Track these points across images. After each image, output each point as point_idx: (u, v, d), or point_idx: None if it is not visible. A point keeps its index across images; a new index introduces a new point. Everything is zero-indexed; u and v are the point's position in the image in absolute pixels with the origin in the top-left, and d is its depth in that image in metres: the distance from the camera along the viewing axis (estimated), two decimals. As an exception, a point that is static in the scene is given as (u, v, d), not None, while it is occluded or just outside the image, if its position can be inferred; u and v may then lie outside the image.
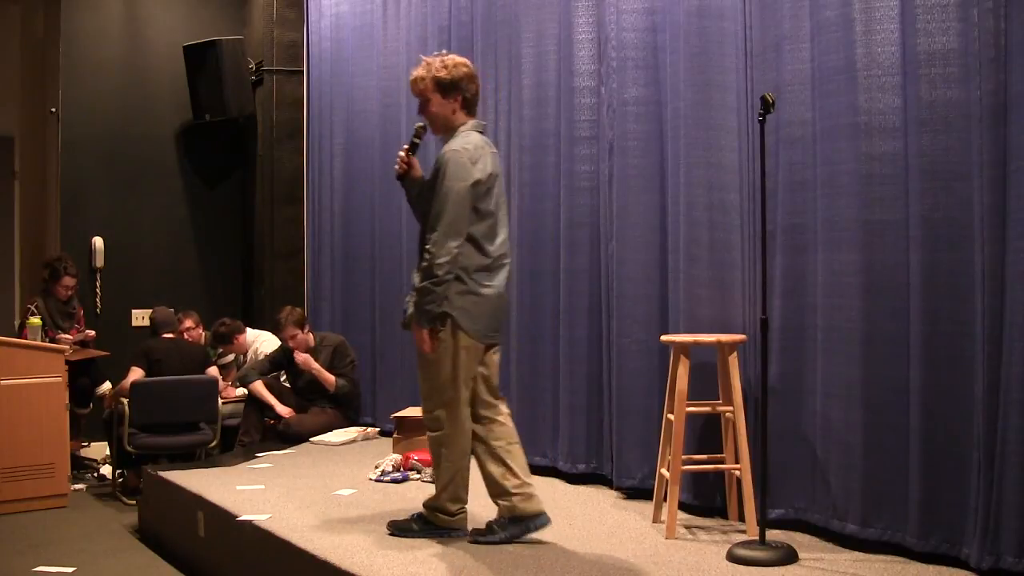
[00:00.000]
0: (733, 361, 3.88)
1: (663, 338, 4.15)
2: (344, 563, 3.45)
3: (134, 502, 5.56)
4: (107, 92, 7.42)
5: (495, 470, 3.75)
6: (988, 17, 3.21)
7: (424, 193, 3.73)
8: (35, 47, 7.91)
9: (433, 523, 3.82)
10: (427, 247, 3.58)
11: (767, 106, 3.51)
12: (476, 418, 3.78)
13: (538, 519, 3.75)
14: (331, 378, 6.07)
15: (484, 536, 3.73)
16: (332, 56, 6.77)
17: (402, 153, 3.79)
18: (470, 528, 3.82)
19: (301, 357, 6.07)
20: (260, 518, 4.08)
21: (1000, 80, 3.20)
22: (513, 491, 3.73)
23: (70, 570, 4.44)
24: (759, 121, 3.55)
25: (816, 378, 3.79)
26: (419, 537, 3.78)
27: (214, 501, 4.42)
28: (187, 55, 7.39)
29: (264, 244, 7.44)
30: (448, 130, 3.75)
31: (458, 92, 3.72)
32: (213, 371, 6.15)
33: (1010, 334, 3.15)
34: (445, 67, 3.71)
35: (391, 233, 6.23)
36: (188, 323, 6.79)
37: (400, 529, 3.85)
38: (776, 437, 3.81)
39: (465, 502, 3.83)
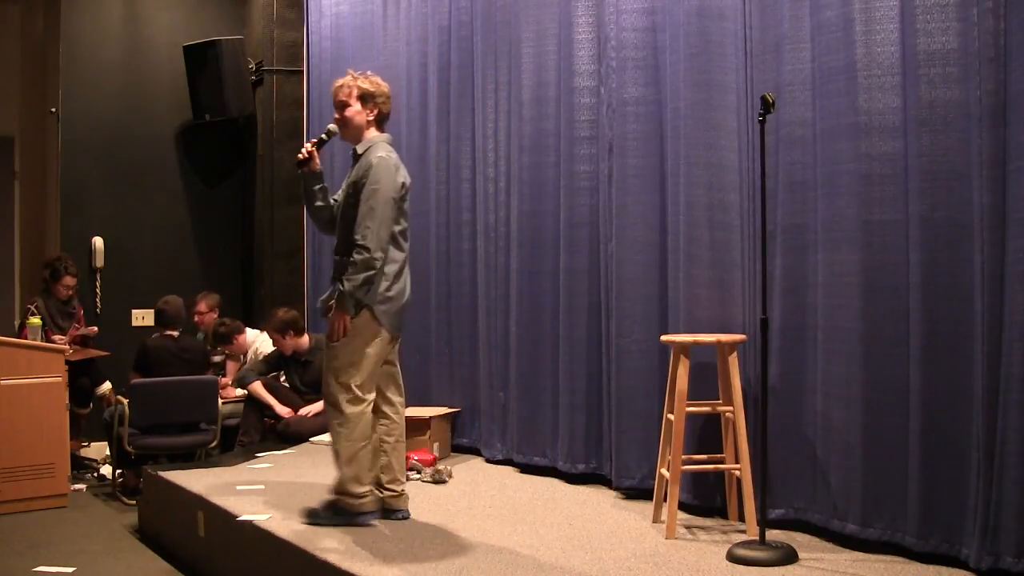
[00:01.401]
0: (733, 361, 3.88)
1: (663, 338, 4.15)
2: (344, 563, 3.45)
3: (134, 502, 5.56)
4: (107, 92, 7.42)
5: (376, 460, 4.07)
6: (988, 17, 3.22)
7: (348, 197, 4.01)
8: (35, 47, 7.92)
9: (342, 509, 3.99)
10: (360, 243, 3.85)
11: (767, 106, 3.51)
12: (374, 410, 4.04)
13: (397, 513, 4.09)
14: (283, 411, 5.96)
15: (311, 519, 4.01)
16: (332, 56, 6.77)
17: (308, 144, 4.10)
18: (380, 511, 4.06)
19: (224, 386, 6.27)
20: (260, 518, 4.08)
21: (1000, 80, 3.20)
22: (386, 485, 4.08)
23: (70, 570, 4.44)
24: (759, 121, 3.55)
25: (816, 378, 3.80)
26: (330, 525, 3.93)
27: (214, 501, 4.42)
28: (187, 55, 7.39)
29: (264, 244, 7.44)
30: (357, 138, 4.11)
31: (375, 105, 4.09)
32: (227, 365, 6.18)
33: (1010, 334, 3.15)
34: (369, 81, 4.11)
35: (391, 233, 6.22)
36: (202, 306, 6.84)
37: (311, 516, 4.02)
38: (776, 437, 3.81)
39: (368, 486, 4.01)
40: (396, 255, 3.98)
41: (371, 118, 4.10)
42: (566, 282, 4.87)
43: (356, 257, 3.85)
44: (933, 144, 3.41)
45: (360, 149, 4.08)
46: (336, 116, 4.11)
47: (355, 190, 3.96)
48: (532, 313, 5.07)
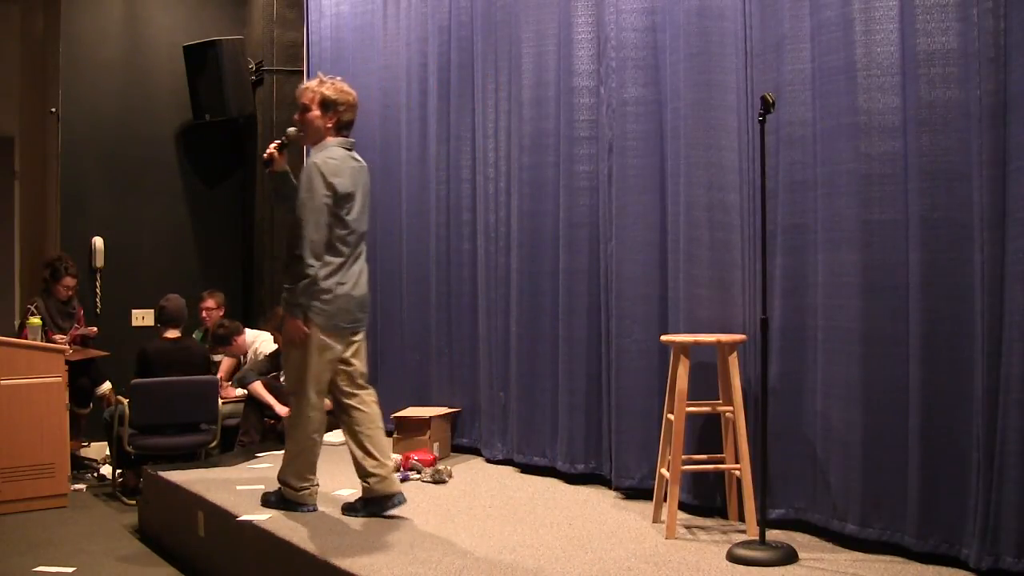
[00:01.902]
0: (733, 361, 3.88)
1: (663, 338, 4.15)
2: (344, 563, 3.45)
3: (134, 502, 5.56)
4: (107, 92, 7.42)
5: (357, 453, 4.22)
6: (988, 17, 3.21)
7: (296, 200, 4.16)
8: (35, 47, 7.91)
9: (283, 497, 4.26)
10: (298, 253, 4.01)
11: (767, 106, 3.51)
12: (341, 405, 4.27)
13: (393, 499, 4.19)
14: (283, 411, 5.93)
15: (349, 511, 4.21)
16: (332, 56, 6.77)
17: (272, 146, 4.26)
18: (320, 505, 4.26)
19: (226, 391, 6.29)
20: (260, 518, 4.08)
21: (1000, 80, 3.20)
22: (371, 471, 4.19)
23: (70, 570, 4.44)
24: (759, 121, 3.55)
25: (816, 378, 3.79)
26: (275, 508, 4.22)
27: (214, 501, 4.42)
28: (187, 55, 7.40)
29: (264, 244, 7.44)
30: (316, 141, 4.22)
31: (335, 113, 4.20)
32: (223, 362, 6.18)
33: (1010, 334, 3.15)
34: (334, 88, 4.22)
35: (391, 232, 6.23)
36: (211, 303, 6.86)
37: (264, 499, 4.32)
38: (776, 437, 3.81)
39: (309, 481, 4.25)
40: (332, 259, 4.09)
41: (330, 125, 4.19)
42: (566, 282, 4.87)
43: (295, 268, 4.04)
44: (933, 144, 3.41)
45: (312, 153, 4.23)
46: (295, 117, 4.26)
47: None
48: (532, 313, 5.07)
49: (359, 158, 4.28)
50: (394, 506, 4.18)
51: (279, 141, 4.28)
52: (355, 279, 4.19)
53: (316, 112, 4.18)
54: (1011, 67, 3.17)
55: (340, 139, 4.22)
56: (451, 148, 5.76)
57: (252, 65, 7.53)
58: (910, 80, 3.47)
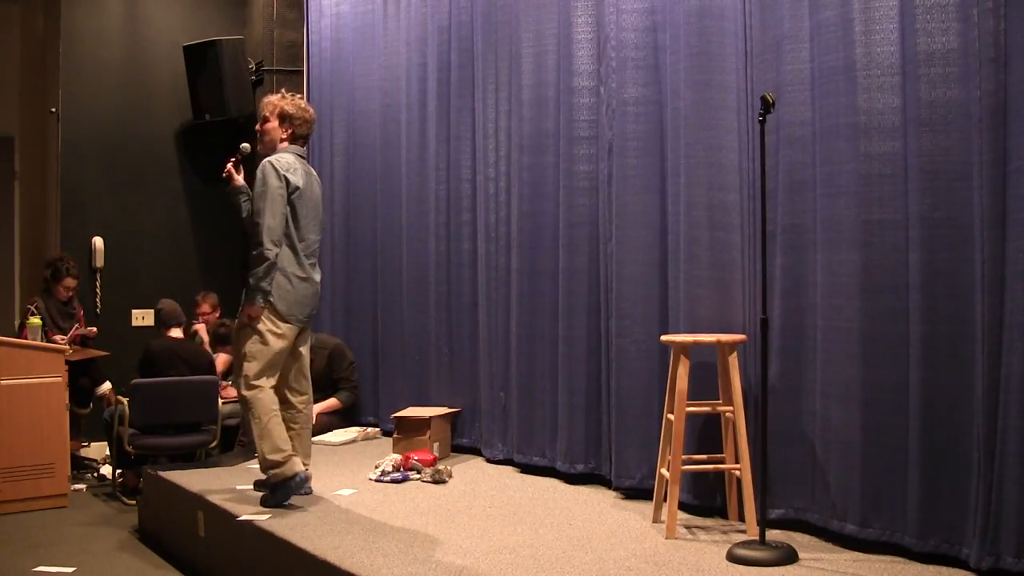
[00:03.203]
0: (733, 361, 3.88)
1: (663, 338, 4.15)
2: (344, 563, 3.45)
3: (134, 502, 5.56)
4: (107, 92, 7.42)
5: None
6: (988, 17, 3.22)
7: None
8: (35, 47, 7.91)
9: (277, 484, 4.30)
10: (255, 239, 4.32)
11: (767, 106, 3.51)
12: (282, 399, 4.49)
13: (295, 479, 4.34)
14: (333, 404, 6.21)
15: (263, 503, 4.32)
16: (332, 56, 6.77)
17: (229, 164, 4.62)
18: (303, 474, 4.37)
19: None
20: (260, 518, 4.08)
21: (1000, 80, 3.20)
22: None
23: (70, 570, 4.44)
24: (759, 121, 3.55)
25: (816, 378, 3.79)
26: (277, 503, 4.27)
27: (214, 501, 4.42)
28: (187, 55, 7.39)
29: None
30: (271, 151, 4.56)
31: (291, 126, 4.57)
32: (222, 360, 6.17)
33: (1010, 334, 3.15)
34: (294, 104, 4.59)
35: (392, 232, 6.23)
36: (205, 307, 6.87)
37: (262, 502, 4.31)
38: (776, 437, 3.81)
39: (284, 452, 4.33)
40: (287, 250, 4.40)
41: (284, 136, 4.57)
42: (566, 282, 4.87)
43: (253, 253, 4.32)
44: (933, 144, 3.41)
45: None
46: (257, 127, 4.65)
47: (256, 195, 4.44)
48: (532, 313, 5.07)
49: (311, 169, 4.66)
50: (299, 489, 4.35)
51: (235, 157, 4.63)
52: (309, 272, 4.50)
53: (274, 123, 4.56)
54: (1011, 67, 3.17)
55: (294, 147, 4.58)
56: (451, 148, 5.75)
57: (252, 65, 7.52)
58: (910, 80, 3.47)
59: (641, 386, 4.46)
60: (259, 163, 4.50)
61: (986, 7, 3.22)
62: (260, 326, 4.37)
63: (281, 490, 4.30)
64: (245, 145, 4.71)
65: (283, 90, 4.75)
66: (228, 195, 4.66)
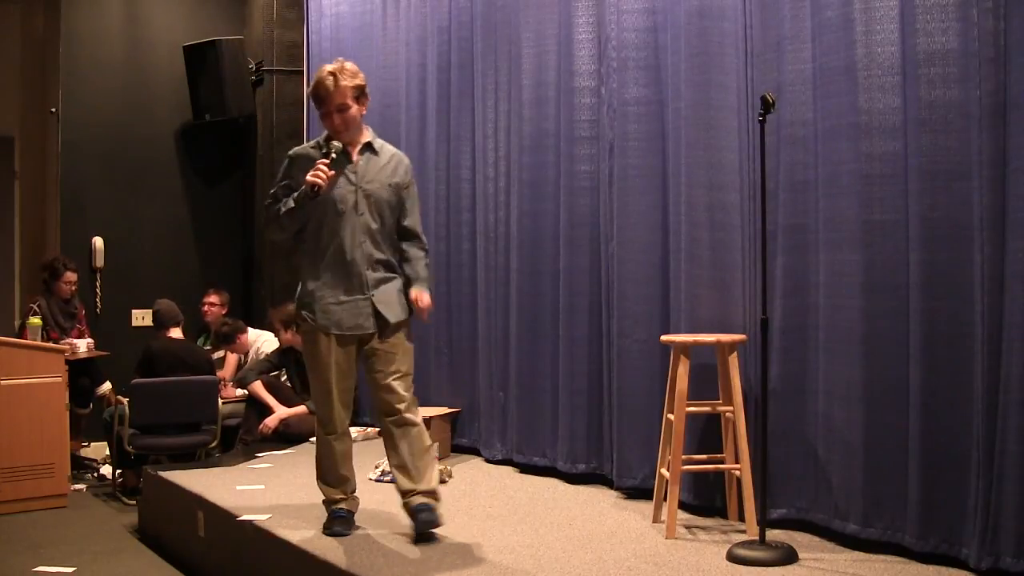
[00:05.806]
0: (733, 361, 3.88)
1: (663, 338, 4.15)
2: (344, 563, 3.46)
3: (134, 502, 5.56)
4: (107, 92, 7.42)
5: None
6: (988, 17, 3.22)
7: (390, 193, 3.86)
8: (35, 47, 7.92)
9: (331, 515, 3.89)
10: (423, 236, 3.99)
11: (767, 106, 3.51)
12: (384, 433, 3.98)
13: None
14: (297, 411, 5.90)
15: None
16: (332, 56, 6.66)
17: (324, 168, 3.67)
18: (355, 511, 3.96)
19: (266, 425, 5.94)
20: (260, 518, 4.08)
21: (1000, 80, 3.20)
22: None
23: (70, 570, 4.44)
24: (759, 121, 3.55)
25: (816, 378, 3.80)
26: (336, 534, 3.79)
27: (214, 501, 4.42)
28: (187, 55, 7.40)
29: (265, 243, 7.44)
30: (356, 135, 3.85)
31: (366, 97, 3.85)
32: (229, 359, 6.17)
33: (1010, 334, 3.15)
34: (355, 74, 3.78)
35: (391, 233, 6.22)
36: (213, 298, 6.87)
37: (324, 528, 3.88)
38: (776, 437, 3.81)
39: (334, 490, 3.91)
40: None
41: (364, 112, 3.86)
42: (566, 282, 4.87)
43: (421, 252, 3.97)
44: (933, 144, 3.41)
45: (376, 145, 3.89)
46: (336, 120, 3.76)
47: (396, 187, 3.87)
48: (532, 313, 5.07)
49: None
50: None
51: (328, 161, 3.71)
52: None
53: (354, 107, 3.79)
54: (1011, 67, 3.17)
55: (370, 128, 3.96)
56: (451, 148, 5.75)
57: (252, 65, 7.53)
58: (910, 80, 3.47)
59: (643, 386, 4.46)
60: (354, 153, 3.82)
61: (986, 7, 3.22)
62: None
63: (329, 524, 3.90)
64: (337, 144, 3.77)
65: (324, 67, 3.81)
66: (303, 202, 3.73)
